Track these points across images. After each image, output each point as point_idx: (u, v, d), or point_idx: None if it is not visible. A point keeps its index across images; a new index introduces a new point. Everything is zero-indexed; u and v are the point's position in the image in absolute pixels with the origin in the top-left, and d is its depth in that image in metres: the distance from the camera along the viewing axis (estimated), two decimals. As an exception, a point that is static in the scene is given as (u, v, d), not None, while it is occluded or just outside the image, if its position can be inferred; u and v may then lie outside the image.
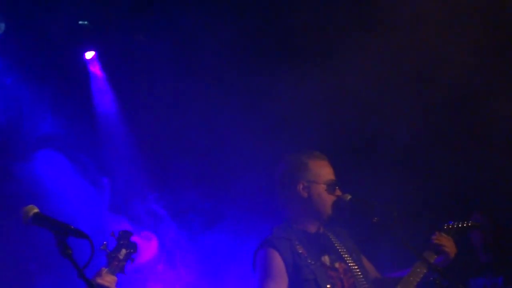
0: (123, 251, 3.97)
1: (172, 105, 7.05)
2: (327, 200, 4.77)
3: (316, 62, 6.61)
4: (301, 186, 4.79)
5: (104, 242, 3.93)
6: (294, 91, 6.63)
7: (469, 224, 4.92)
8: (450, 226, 4.83)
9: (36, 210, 3.56)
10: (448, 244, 4.71)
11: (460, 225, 4.86)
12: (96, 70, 7.34)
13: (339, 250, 4.80)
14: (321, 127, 6.64)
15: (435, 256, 4.69)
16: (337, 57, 6.46)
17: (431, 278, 4.49)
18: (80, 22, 6.80)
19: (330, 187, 4.78)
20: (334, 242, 4.83)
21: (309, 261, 4.64)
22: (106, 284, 3.92)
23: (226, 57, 6.80)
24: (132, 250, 4.06)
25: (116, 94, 7.32)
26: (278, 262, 4.60)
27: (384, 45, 6.36)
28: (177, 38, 6.97)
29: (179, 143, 7.05)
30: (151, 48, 7.01)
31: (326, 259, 4.72)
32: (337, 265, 4.73)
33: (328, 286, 4.57)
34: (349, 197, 4.75)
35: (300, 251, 4.65)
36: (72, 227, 3.45)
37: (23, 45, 6.63)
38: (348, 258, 4.77)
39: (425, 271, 4.61)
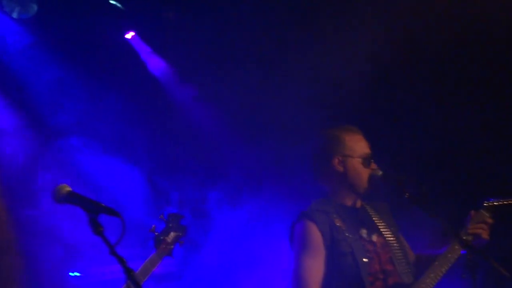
0: (172, 234, 3.94)
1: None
2: (363, 174, 4.75)
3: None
4: (336, 161, 4.78)
5: (153, 225, 3.92)
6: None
7: (511, 202, 4.79)
8: (490, 204, 4.73)
9: (68, 188, 3.58)
10: (482, 231, 4.63)
11: (500, 203, 4.75)
12: (139, 46, 7.40)
13: (377, 223, 4.78)
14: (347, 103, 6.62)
15: (472, 237, 4.63)
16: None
17: (468, 257, 4.43)
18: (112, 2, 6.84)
19: (366, 161, 4.76)
20: (372, 215, 4.82)
21: (347, 234, 4.63)
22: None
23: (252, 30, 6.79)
24: (181, 233, 4.02)
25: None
26: (315, 235, 4.59)
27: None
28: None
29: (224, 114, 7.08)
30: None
31: (363, 232, 4.70)
32: (374, 238, 4.71)
33: (365, 259, 4.57)
34: (380, 172, 4.72)
35: (338, 224, 4.64)
36: (103, 205, 3.47)
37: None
38: (386, 232, 4.75)
39: (461, 249, 4.55)
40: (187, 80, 7.41)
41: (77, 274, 6.43)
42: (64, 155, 6.57)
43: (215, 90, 7.18)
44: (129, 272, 3.30)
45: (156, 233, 3.99)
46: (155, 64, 7.53)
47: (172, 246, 4.02)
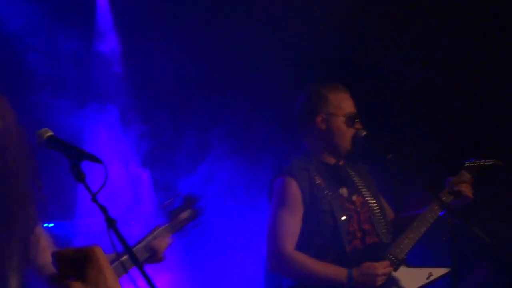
0: (188, 211, 3.88)
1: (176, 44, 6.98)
2: (346, 133, 4.71)
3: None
4: (320, 118, 4.72)
5: (170, 199, 3.85)
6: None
7: (491, 162, 4.80)
8: (471, 164, 4.74)
9: (50, 133, 3.52)
10: (465, 189, 4.64)
11: (481, 163, 4.76)
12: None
13: (357, 183, 4.76)
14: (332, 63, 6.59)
15: (452, 197, 4.64)
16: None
17: (447, 218, 4.45)
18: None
19: (350, 120, 4.71)
20: (352, 175, 4.79)
21: (326, 192, 4.60)
22: (158, 245, 3.84)
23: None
24: (196, 214, 3.96)
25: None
26: (295, 191, 4.57)
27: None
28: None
29: (183, 81, 7.00)
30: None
31: (343, 191, 4.68)
32: (354, 197, 4.70)
33: (343, 217, 4.56)
34: (364, 133, 4.69)
35: (317, 182, 4.62)
36: (86, 151, 3.42)
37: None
38: (365, 192, 4.74)
39: (441, 210, 4.57)
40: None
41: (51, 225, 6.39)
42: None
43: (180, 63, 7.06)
44: (110, 222, 3.26)
45: (172, 208, 3.89)
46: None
47: (186, 223, 3.94)
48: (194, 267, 6.73)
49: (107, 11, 7.16)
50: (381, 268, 4.40)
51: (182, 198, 3.80)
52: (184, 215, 3.82)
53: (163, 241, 3.78)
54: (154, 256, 3.76)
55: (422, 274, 4.52)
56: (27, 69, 6.51)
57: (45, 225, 6.39)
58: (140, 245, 3.74)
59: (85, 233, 6.51)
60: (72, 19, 6.67)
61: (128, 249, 3.15)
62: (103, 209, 3.27)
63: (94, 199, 3.31)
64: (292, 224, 4.54)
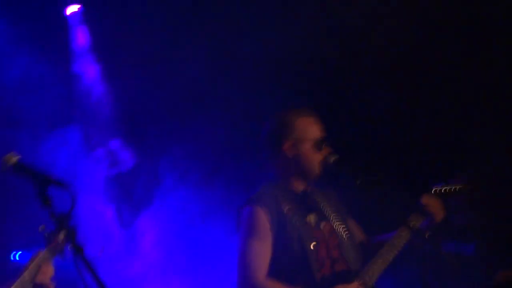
0: (64, 231, 3.79)
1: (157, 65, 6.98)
2: (314, 158, 4.68)
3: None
4: (287, 145, 4.69)
5: (42, 225, 3.75)
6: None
7: (460, 188, 4.81)
8: (439, 190, 4.75)
9: (16, 158, 3.46)
10: (435, 206, 4.65)
11: (450, 189, 4.77)
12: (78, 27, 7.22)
13: (325, 210, 4.72)
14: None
15: (422, 219, 4.63)
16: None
17: (417, 242, 4.44)
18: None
19: (318, 145, 4.68)
20: (320, 202, 4.75)
21: (294, 219, 4.57)
22: (43, 279, 3.74)
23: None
24: (73, 233, 3.88)
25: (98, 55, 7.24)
26: (263, 220, 4.52)
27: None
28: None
29: (161, 104, 6.99)
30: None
31: (311, 218, 4.65)
32: (322, 225, 4.66)
33: (312, 245, 4.52)
34: (333, 158, 4.67)
35: (285, 210, 4.58)
36: (53, 176, 3.36)
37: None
38: (334, 219, 4.70)
39: (410, 234, 4.56)
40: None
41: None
42: None
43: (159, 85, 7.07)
44: (77, 248, 3.20)
45: (47, 232, 3.80)
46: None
47: (63, 246, 3.85)
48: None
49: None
50: None
51: (55, 219, 3.72)
52: (61, 235, 3.73)
53: (47, 270, 3.72)
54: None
55: None
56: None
57: (13, 253, 6.32)
58: (23, 277, 3.65)
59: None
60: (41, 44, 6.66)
61: (95, 275, 3.09)
62: (70, 236, 3.21)
63: (60, 226, 3.25)
64: (261, 252, 4.49)
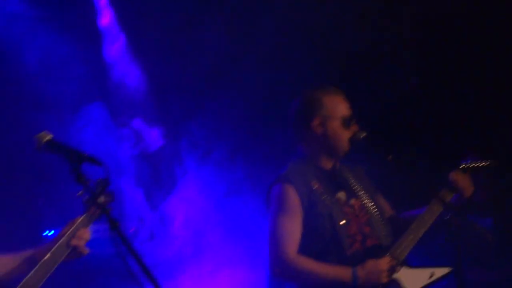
0: (102, 198, 3.81)
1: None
2: (342, 136, 4.69)
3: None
4: (316, 122, 4.70)
5: (81, 190, 3.78)
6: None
7: (487, 163, 4.80)
8: (468, 165, 4.74)
9: (49, 136, 3.49)
10: (464, 182, 4.64)
11: (478, 164, 4.76)
12: (105, 7, 7.26)
13: (355, 187, 4.74)
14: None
15: (452, 195, 4.64)
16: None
17: (447, 217, 4.44)
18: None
19: (346, 123, 4.69)
20: (349, 178, 4.77)
21: (324, 196, 4.58)
22: (78, 242, 3.74)
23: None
24: (109, 199, 3.91)
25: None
26: (293, 197, 4.54)
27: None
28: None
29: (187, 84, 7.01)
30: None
31: (341, 195, 4.66)
32: (352, 201, 4.68)
33: (343, 221, 4.54)
34: (363, 134, 4.68)
35: (315, 187, 4.60)
36: (86, 153, 3.39)
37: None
38: (363, 195, 4.72)
39: (441, 209, 4.56)
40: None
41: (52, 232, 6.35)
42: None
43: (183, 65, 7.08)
44: (113, 223, 3.23)
45: (86, 197, 3.82)
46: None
47: (103, 208, 3.87)
48: (197, 273, 6.71)
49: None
50: (385, 263, 4.39)
51: (93, 184, 3.74)
52: (100, 200, 3.76)
53: (83, 236, 3.74)
54: (75, 252, 3.72)
55: (424, 274, 4.50)
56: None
57: (45, 232, 6.39)
58: (61, 242, 3.68)
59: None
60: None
61: (131, 250, 3.12)
62: (105, 210, 3.24)
63: (96, 201, 3.28)
64: (292, 229, 4.51)
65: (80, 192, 3.64)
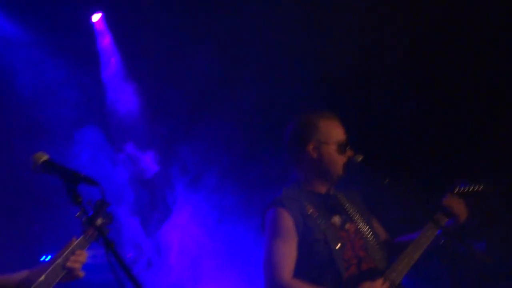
0: (100, 220, 3.82)
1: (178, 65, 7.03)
2: (338, 160, 4.70)
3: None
4: (311, 147, 4.71)
5: (79, 212, 3.78)
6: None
7: (482, 188, 4.82)
8: (462, 190, 4.75)
9: (46, 157, 3.49)
10: (458, 207, 4.66)
11: (472, 189, 4.78)
12: (102, 31, 7.31)
13: (349, 211, 4.74)
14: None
15: (446, 219, 4.65)
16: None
17: (442, 241, 4.44)
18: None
19: (341, 148, 4.70)
20: (344, 203, 4.78)
21: (319, 221, 4.58)
22: (74, 265, 3.72)
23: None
24: (108, 221, 3.91)
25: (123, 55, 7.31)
26: (287, 222, 4.55)
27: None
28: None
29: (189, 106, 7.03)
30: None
31: (336, 219, 4.67)
32: (347, 225, 4.68)
33: (338, 246, 4.54)
34: (360, 158, 4.69)
35: (309, 211, 4.60)
36: (82, 174, 3.39)
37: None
38: (358, 219, 4.72)
39: (435, 233, 4.57)
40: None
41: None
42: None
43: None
44: (108, 244, 3.22)
45: (84, 218, 3.82)
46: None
47: (100, 232, 3.87)
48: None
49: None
50: (379, 286, 4.39)
51: (93, 205, 3.74)
52: (99, 221, 3.75)
53: (79, 258, 3.72)
54: (70, 274, 3.71)
55: None
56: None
57: (43, 258, 6.36)
58: (56, 263, 3.67)
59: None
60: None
61: (126, 270, 3.10)
62: (102, 232, 3.23)
63: (92, 223, 3.27)
64: (287, 253, 4.51)
65: (78, 213, 3.64)
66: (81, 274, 3.72)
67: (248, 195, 6.65)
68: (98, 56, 7.32)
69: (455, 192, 4.74)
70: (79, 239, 3.74)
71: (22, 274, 3.73)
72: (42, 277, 3.56)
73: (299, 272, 4.49)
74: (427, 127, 6.59)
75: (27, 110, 6.83)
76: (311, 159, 4.71)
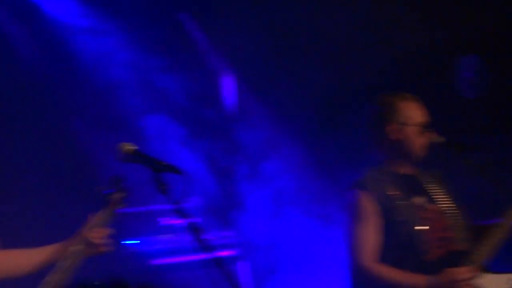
0: (118, 194, 3.90)
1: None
2: (418, 142, 4.69)
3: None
4: (391, 128, 4.71)
5: (99, 185, 3.87)
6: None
7: None
8: None
9: (133, 147, 3.61)
10: None
11: None
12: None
13: (432, 192, 4.73)
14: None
15: None
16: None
17: None
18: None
19: (422, 129, 4.70)
20: (426, 184, 4.76)
21: (401, 203, 4.58)
22: (94, 237, 3.78)
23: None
24: (125, 194, 3.99)
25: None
26: (368, 204, 4.56)
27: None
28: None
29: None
30: None
31: (418, 200, 4.66)
32: (430, 206, 4.66)
33: (420, 227, 4.53)
34: (442, 139, 4.67)
35: (391, 193, 4.60)
36: (166, 163, 3.50)
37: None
38: (441, 200, 4.70)
39: None
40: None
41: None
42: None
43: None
44: (194, 228, 3.31)
45: (103, 193, 3.92)
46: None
47: (118, 206, 3.96)
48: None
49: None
50: (462, 273, 4.36)
51: (108, 181, 3.80)
52: (116, 196, 3.82)
53: (100, 231, 3.79)
54: (91, 248, 3.77)
55: (503, 280, 4.47)
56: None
57: (130, 241, 6.53)
58: (82, 236, 3.75)
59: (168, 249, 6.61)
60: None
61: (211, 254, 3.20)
62: (186, 216, 3.33)
63: (178, 210, 3.37)
64: (369, 237, 4.53)
65: (97, 188, 3.75)
66: (104, 248, 3.80)
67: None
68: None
69: None
70: (95, 216, 3.83)
71: (43, 249, 3.82)
72: (67, 251, 3.65)
73: (382, 254, 4.51)
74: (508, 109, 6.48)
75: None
76: (391, 141, 4.71)
